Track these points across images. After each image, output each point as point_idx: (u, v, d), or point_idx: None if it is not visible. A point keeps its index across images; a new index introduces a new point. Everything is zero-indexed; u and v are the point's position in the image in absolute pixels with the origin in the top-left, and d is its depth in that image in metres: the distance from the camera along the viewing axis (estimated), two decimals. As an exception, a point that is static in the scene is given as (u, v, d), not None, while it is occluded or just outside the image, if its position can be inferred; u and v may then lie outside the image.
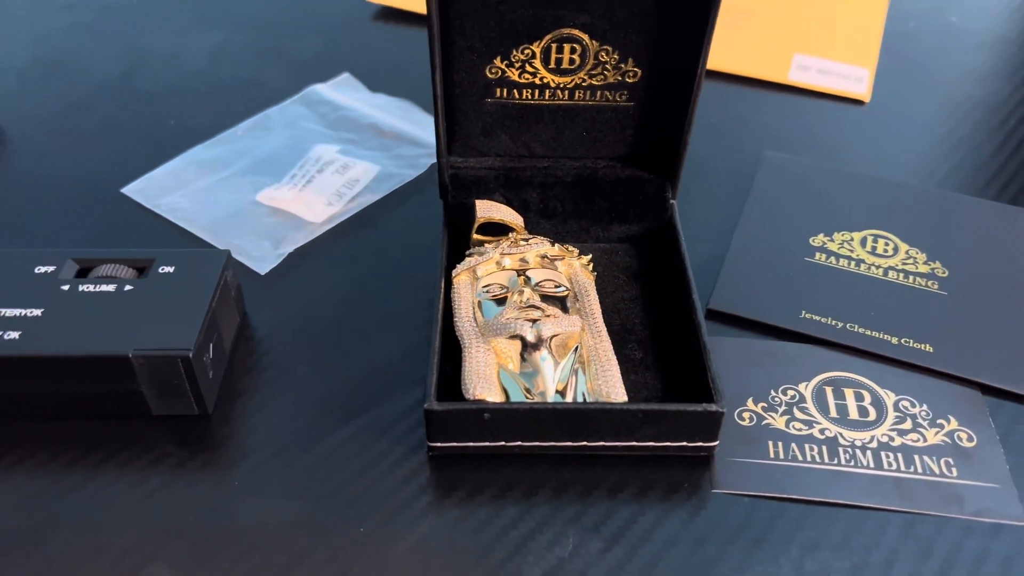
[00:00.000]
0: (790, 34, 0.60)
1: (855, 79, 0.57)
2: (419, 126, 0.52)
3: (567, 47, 0.37)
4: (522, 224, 0.41)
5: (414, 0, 0.62)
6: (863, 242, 0.45)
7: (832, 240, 0.45)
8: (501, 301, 0.37)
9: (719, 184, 0.48)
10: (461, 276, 0.39)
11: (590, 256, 0.40)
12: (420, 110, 0.53)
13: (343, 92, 0.54)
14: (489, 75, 0.38)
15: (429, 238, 0.44)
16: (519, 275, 0.38)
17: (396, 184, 0.48)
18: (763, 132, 0.53)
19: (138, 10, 0.63)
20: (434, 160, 0.49)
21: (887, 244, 0.45)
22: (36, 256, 0.38)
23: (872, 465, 0.35)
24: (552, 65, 0.38)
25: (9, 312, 0.35)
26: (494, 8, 0.36)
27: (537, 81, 0.38)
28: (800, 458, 0.35)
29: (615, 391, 0.34)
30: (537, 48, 0.37)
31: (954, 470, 0.35)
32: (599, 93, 0.39)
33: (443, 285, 0.38)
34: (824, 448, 0.36)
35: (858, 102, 0.55)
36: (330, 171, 0.47)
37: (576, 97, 0.39)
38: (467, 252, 0.40)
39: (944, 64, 0.59)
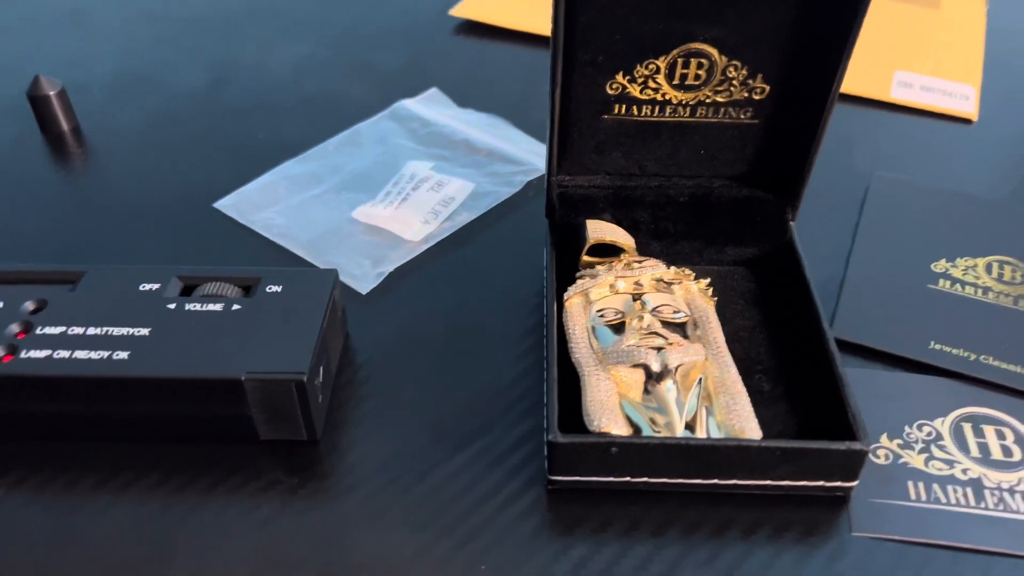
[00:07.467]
0: (889, 51, 0.58)
1: (961, 97, 0.54)
2: (512, 143, 0.50)
3: (694, 62, 0.35)
4: (634, 245, 0.40)
5: (499, 14, 0.61)
6: (988, 268, 0.42)
7: (955, 266, 0.42)
8: (616, 327, 0.36)
9: (827, 205, 0.46)
10: (573, 299, 0.37)
11: (708, 279, 0.38)
12: (511, 126, 0.52)
13: (432, 107, 0.53)
14: (609, 91, 0.37)
15: (530, 258, 0.43)
16: (634, 299, 0.37)
17: (492, 202, 0.46)
18: (869, 151, 0.51)
19: (221, 24, 0.62)
20: (529, 178, 0.48)
21: (1015, 271, 0.42)
22: (140, 273, 0.37)
23: (1024, 510, 0.33)
24: (676, 81, 0.36)
25: (117, 331, 0.34)
26: (622, 21, 0.34)
27: (659, 97, 0.37)
28: (943, 500, 0.33)
29: (749, 426, 0.32)
30: (663, 63, 0.35)
31: (1112, 517, 0.32)
32: (723, 110, 0.37)
33: (555, 309, 0.37)
34: (969, 490, 0.33)
35: (966, 121, 0.53)
36: (425, 188, 0.46)
37: (698, 114, 0.37)
38: (577, 274, 0.39)
39: (1053, 82, 0.57)
